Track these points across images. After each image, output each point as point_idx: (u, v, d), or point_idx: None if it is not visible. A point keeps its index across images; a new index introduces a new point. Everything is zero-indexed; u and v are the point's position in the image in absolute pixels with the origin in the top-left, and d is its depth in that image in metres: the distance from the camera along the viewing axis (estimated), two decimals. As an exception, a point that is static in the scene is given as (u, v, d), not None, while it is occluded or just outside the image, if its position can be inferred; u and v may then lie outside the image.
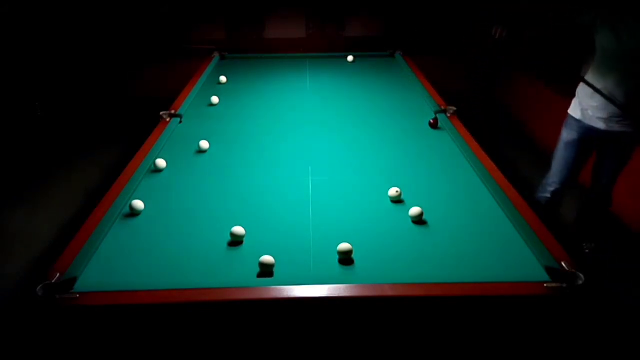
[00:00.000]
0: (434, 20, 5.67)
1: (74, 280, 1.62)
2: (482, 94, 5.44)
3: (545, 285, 1.59)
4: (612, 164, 2.77)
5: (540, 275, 1.66)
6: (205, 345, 1.63)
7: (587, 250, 2.99)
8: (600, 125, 2.63)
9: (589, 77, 2.62)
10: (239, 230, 1.86)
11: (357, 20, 5.84)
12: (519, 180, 2.98)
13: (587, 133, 2.70)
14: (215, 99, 3.32)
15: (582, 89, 2.69)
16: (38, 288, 1.54)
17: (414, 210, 2.00)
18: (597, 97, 2.58)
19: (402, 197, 2.15)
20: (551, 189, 2.86)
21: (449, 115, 3.01)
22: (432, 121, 2.93)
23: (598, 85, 2.56)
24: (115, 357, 1.63)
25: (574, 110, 2.75)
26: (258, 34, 5.82)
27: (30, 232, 3.26)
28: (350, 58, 4.31)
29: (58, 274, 1.61)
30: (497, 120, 4.98)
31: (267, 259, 1.70)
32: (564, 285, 1.58)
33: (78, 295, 1.54)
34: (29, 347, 1.85)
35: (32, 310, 1.57)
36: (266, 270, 1.70)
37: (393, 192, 2.15)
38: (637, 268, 2.92)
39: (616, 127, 2.60)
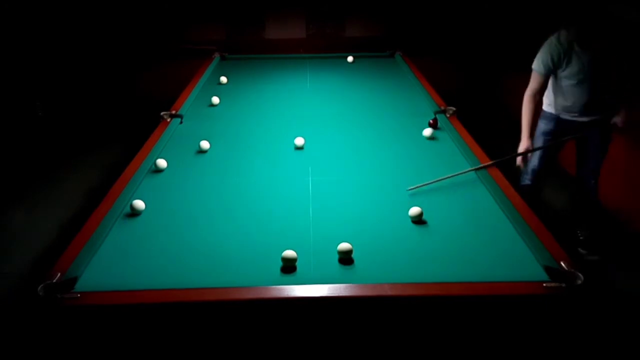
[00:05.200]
0: (434, 20, 5.67)
1: (74, 280, 1.62)
2: (482, 94, 5.44)
3: (544, 284, 1.59)
4: (593, 152, 2.85)
5: (540, 275, 1.66)
6: (206, 345, 1.63)
7: (581, 238, 3.03)
8: (575, 118, 2.76)
9: (554, 85, 2.74)
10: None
11: (357, 20, 5.84)
12: (518, 180, 3.00)
13: (562, 124, 2.81)
14: (215, 100, 3.33)
15: (554, 92, 2.77)
16: (39, 288, 1.54)
17: (414, 210, 2.00)
18: (569, 97, 2.70)
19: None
20: (530, 176, 2.98)
21: (448, 115, 3.01)
22: (431, 121, 2.94)
23: (565, 96, 2.70)
24: (116, 357, 1.63)
25: (549, 107, 2.85)
26: (258, 34, 5.82)
27: (30, 232, 3.26)
28: (350, 58, 4.32)
29: (59, 274, 1.61)
30: (497, 120, 4.98)
31: (289, 253, 1.71)
32: (563, 284, 1.59)
33: (79, 295, 1.55)
34: (29, 347, 1.85)
35: (32, 310, 1.57)
36: (288, 265, 1.71)
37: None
38: (637, 268, 2.92)
39: (590, 117, 2.73)
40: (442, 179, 2.29)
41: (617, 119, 2.69)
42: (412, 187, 2.23)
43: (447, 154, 2.62)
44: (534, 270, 1.69)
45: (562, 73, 2.65)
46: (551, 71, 2.66)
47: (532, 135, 2.75)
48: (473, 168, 2.39)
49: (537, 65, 2.68)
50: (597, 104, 2.68)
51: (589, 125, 2.75)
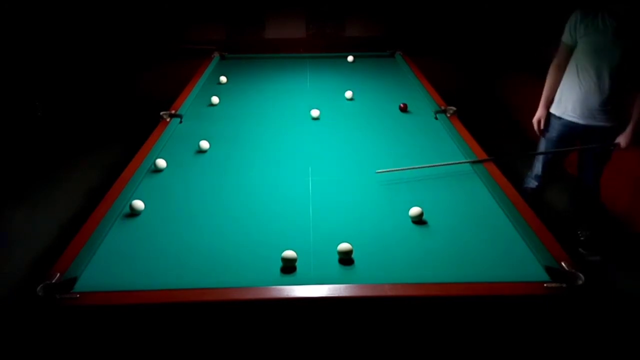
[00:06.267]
0: (434, 20, 5.67)
1: (74, 280, 1.62)
2: (482, 94, 5.44)
3: (545, 285, 1.59)
4: (594, 159, 2.85)
5: (540, 275, 1.66)
6: (206, 345, 1.63)
7: (582, 238, 3.04)
8: (580, 120, 2.74)
9: (568, 72, 2.76)
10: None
11: (357, 20, 5.83)
12: (518, 180, 3.00)
13: (566, 130, 2.81)
14: (215, 99, 3.32)
15: (564, 85, 2.80)
16: (38, 288, 1.54)
17: (414, 210, 2.00)
18: (577, 90, 2.70)
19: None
20: (535, 181, 3.00)
21: (449, 115, 3.01)
22: (402, 105, 3.09)
23: (578, 80, 2.69)
24: (116, 357, 1.63)
25: (556, 107, 2.86)
26: (258, 34, 5.82)
27: (30, 232, 3.26)
28: (350, 58, 4.31)
29: (58, 274, 1.61)
30: (497, 120, 4.98)
31: (289, 253, 1.71)
32: (564, 285, 1.58)
33: (78, 295, 1.55)
34: (29, 347, 1.85)
35: (32, 310, 1.57)
36: (288, 265, 1.71)
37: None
38: (638, 268, 2.92)
39: (595, 122, 2.71)
40: (414, 168, 2.37)
41: (621, 139, 2.66)
42: (380, 171, 2.32)
43: (448, 154, 2.62)
44: (535, 271, 1.69)
45: (582, 40, 2.63)
46: (575, 35, 2.66)
47: (548, 105, 2.87)
48: (453, 162, 2.43)
49: (564, 34, 2.73)
50: (604, 103, 2.63)
51: (593, 132, 2.72)
